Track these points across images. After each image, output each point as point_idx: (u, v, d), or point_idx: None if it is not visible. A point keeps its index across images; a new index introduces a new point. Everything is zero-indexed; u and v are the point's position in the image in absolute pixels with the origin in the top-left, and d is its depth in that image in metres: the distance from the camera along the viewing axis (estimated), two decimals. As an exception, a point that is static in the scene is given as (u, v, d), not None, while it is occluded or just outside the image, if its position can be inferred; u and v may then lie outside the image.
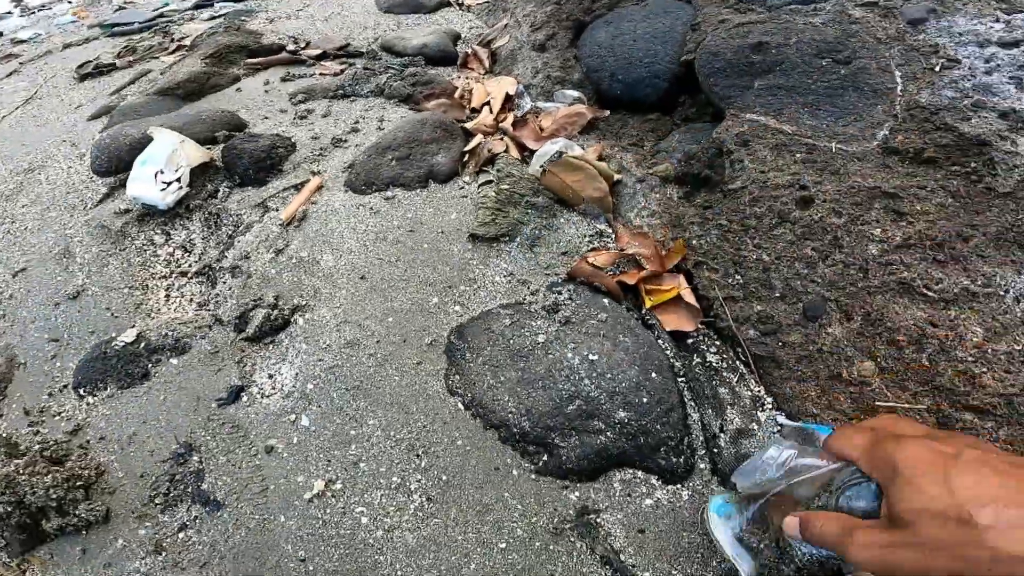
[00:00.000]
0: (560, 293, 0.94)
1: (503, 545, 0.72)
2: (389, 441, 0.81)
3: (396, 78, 1.48)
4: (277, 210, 1.11)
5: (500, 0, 1.94)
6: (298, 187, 1.15)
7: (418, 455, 0.80)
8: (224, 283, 1.01)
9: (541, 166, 1.12)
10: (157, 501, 0.84)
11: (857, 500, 0.50)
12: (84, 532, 0.85)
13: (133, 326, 0.99)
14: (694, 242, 1.00)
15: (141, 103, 1.48)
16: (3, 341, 1.07)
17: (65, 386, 0.98)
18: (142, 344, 0.95)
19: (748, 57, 1.09)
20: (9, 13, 2.98)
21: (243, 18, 2.17)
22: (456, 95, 1.44)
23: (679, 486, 0.76)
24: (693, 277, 0.99)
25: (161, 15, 2.30)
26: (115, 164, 1.23)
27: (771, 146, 1.02)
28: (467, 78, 1.56)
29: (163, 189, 1.09)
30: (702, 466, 0.78)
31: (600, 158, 1.16)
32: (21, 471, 0.89)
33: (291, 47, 1.85)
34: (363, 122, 1.36)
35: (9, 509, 0.88)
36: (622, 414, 0.76)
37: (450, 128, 1.23)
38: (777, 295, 0.91)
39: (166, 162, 1.10)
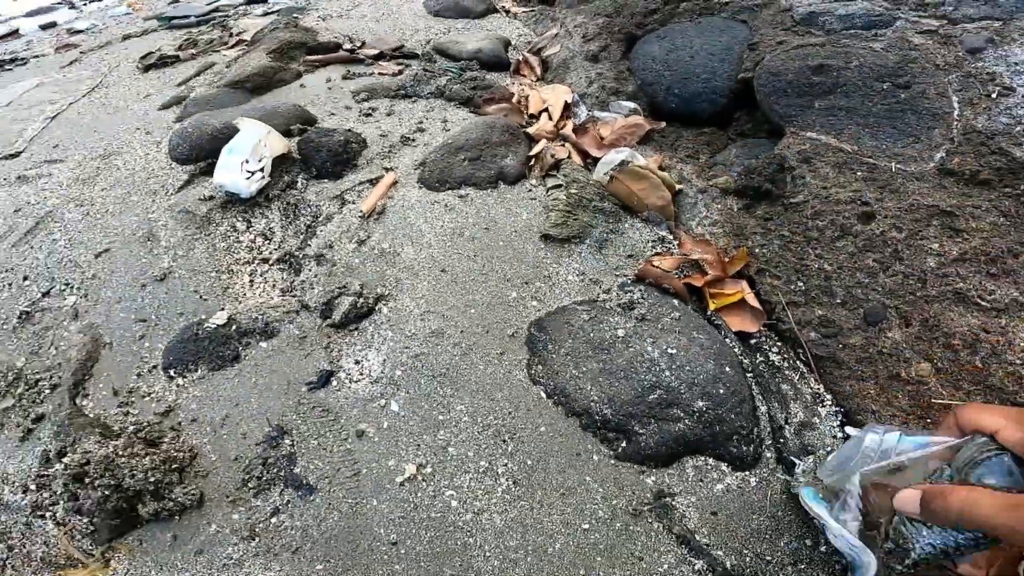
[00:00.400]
0: (632, 292, 0.96)
1: (586, 526, 0.75)
2: (476, 427, 0.83)
3: (456, 81, 1.50)
4: (354, 203, 1.13)
5: (547, 9, 1.95)
6: (373, 182, 1.17)
7: (504, 440, 0.82)
8: (309, 270, 1.03)
9: (607, 173, 1.14)
10: (250, 485, 0.84)
11: (990, 476, 0.44)
12: (177, 517, 0.84)
13: (223, 309, 1.00)
14: (756, 251, 1.03)
15: (212, 95, 1.49)
16: (87, 320, 1.07)
17: (154, 367, 0.99)
18: (233, 327, 0.97)
19: (809, 78, 1.11)
20: (59, 4, 2.98)
21: (296, 15, 2.18)
22: (514, 100, 1.46)
23: (747, 473, 0.79)
24: (755, 283, 1.01)
25: (216, 9, 2.31)
26: (196, 152, 1.25)
27: (833, 164, 1.04)
28: (521, 84, 1.58)
29: (248, 178, 1.11)
30: (768, 455, 0.81)
31: (661, 168, 1.18)
32: (120, 453, 0.86)
33: (347, 46, 1.87)
34: (427, 122, 1.38)
35: (107, 493, 0.84)
36: (700, 404, 0.79)
37: (516, 132, 1.26)
38: (838, 301, 0.94)
39: (251, 152, 1.12)
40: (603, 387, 0.82)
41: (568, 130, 1.31)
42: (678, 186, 1.16)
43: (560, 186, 1.12)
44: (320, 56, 1.78)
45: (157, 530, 0.83)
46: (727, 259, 1.03)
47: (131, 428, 0.91)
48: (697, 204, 1.14)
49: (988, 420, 0.48)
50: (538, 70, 1.67)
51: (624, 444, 0.80)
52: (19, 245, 1.21)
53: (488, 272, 1.00)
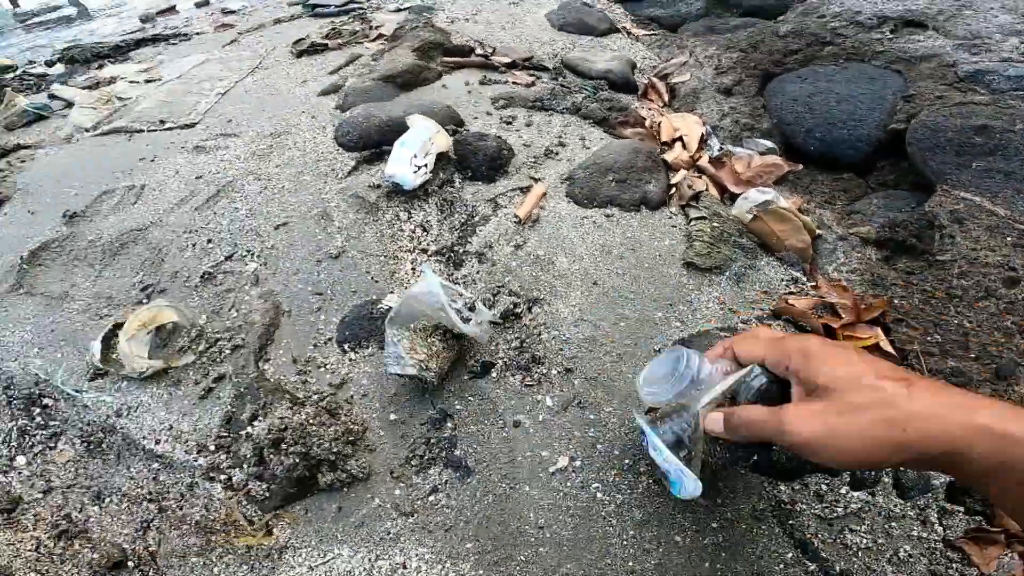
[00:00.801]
0: (770, 326, 1.00)
1: (714, 524, 0.81)
2: (623, 428, 0.90)
3: (591, 100, 1.57)
4: (506, 208, 1.21)
5: (672, 36, 1.99)
6: (523, 190, 1.25)
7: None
8: (471, 266, 1.12)
9: (749, 211, 1.18)
10: (413, 463, 0.90)
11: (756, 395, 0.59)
12: (345, 489, 0.89)
13: (392, 291, 1.10)
14: (896, 302, 1.05)
15: (367, 87, 1.61)
16: (267, 287, 1.17)
17: (329, 339, 1.06)
18: (403, 310, 1.06)
19: (970, 138, 1.12)
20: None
21: (426, 14, 2.29)
22: (647, 125, 1.51)
23: (864, 492, 0.83)
24: (890, 331, 1.04)
25: (352, 0, 2.45)
26: (363, 141, 1.37)
27: (985, 226, 1.05)
28: (649, 109, 1.63)
29: (415, 172, 1.21)
30: (886, 479, 0.85)
31: (801, 211, 1.21)
32: (311, 421, 0.90)
33: (479, 51, 1.96)
34: (566, 137, 1.45)
35: (296, 460, 0.87)
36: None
37: (657, 159, 1.31)
38: (972, 356, 0.96)
39: (420, 147, 1.22)
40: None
41: (705, 162, 1.35)
42: (817, 231, 1.18)
43: (704, 218, 1.17)
44: (456, 58, 1.88)
45: (324, 500, 0.89)
46: (864, 306, 1.06)
47: (314, 397, 0.97)
48: (836, 251, 1.17)
49: (756, 352, 0.61)
50: (665, 96, 1.71)
51: (755, 458, 0.85)
52: (202, 209, 1.35)
53: (636, 290, 1.06)
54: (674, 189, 1.28)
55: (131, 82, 1.93)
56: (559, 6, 2.33)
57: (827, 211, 1.22)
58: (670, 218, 1.21)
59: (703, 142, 1.44)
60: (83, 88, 1.95)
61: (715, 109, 1.56)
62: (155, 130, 1.71)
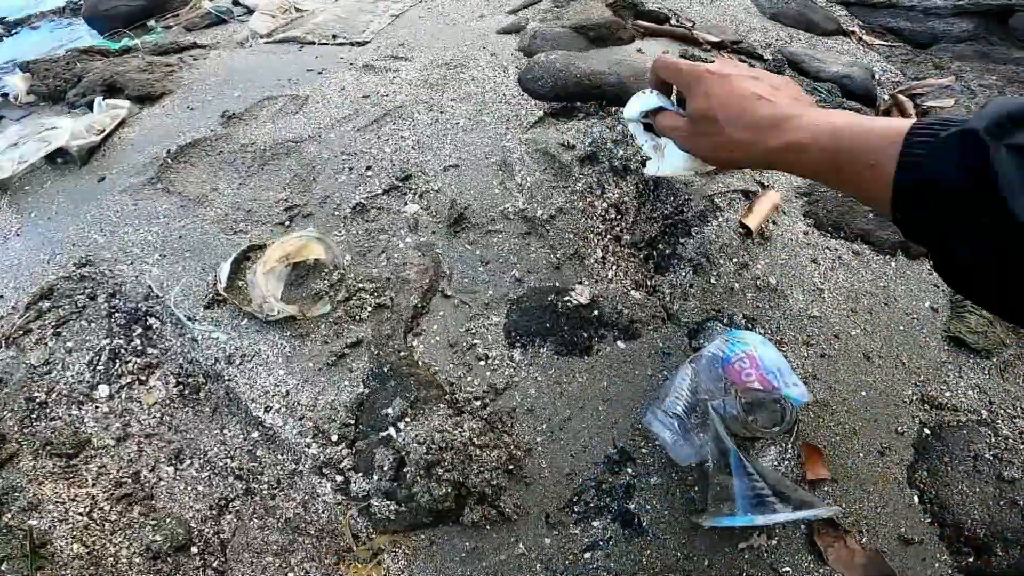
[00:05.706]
0: None
1: None
2: (850, 518, 0.77)
3: (825, 103, 1.39)
4: (723, 210, 1.08)
5: (928, 54, 1.76)
6: (747, 194, 1.11)
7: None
8: (683, 275, 1.00)
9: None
10: (576, 509, 0.79)
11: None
12: (487, 527, 0.77)
13: (581, 283, 0.99)
14: None
15: (557, 33, 1.51)
16: (426, 238, 1.06)
17: (494, 325, 0.94)
18: (594, 311, 0.94)
19: None
20: None
21: (612, -32, 2.14)
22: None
23: None
24: None
25: (534, -64, 2.34)
26: (557, 91, 1.28)
27: None
28: (891, 132, 1.43)
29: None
30: None
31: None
32: (475, 441, 0.77)
33: (674, 22, 1.81)
34: (793, 144, 1.29)
35: (448, 491, 0.74)
36: None
37: (920, 197, 1.13)
38: None
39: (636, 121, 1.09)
40: (992, 512, 0.78)
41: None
42: None
43: (981, 286, 0.99)
44: (650, 24, 1.74)
45: (457, 535, 0.78)
46: None
47: (475, 403, 0.85)
48: None
49: (667, 73, 0.81)
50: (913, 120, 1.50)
51: (971, 559, 0.77)
52: (364, 131, 1.28)
53: (885, 355, 0.92)
54: (937, 241, 1.10)
55: (311, -6, 1.96)
56: (772, -10, 2.12)
57: None
58: (931, 274, 1.04)
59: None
60: (267, -3, 2.00)
61: (981, 153, 1.35)
62: (326, 43, 1.70)
